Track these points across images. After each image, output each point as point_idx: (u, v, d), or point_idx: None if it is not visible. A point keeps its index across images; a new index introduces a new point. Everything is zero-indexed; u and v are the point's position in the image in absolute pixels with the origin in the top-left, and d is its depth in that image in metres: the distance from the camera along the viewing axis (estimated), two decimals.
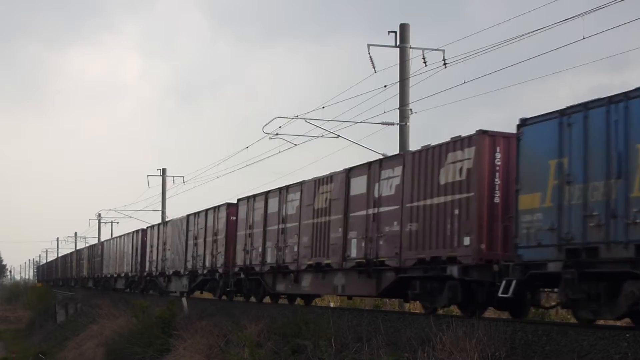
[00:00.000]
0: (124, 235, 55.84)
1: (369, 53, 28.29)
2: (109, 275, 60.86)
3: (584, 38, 19.62)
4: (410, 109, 28.35)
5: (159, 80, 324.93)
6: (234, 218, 32.20)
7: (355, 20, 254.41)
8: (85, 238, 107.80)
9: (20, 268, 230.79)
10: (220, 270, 33.44)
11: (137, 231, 51.10)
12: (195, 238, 37.09)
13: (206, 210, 36.07)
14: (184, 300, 34.30)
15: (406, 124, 28.30)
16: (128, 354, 29.99)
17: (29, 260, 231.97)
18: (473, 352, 14.42)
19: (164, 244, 43.57)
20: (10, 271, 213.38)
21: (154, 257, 45.69)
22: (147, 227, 49.00)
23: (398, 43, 28.53)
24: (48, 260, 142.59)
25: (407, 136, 28.28)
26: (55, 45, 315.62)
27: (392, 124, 28.72)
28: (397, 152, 26.09)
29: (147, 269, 47.59)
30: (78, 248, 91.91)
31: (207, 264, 34.98)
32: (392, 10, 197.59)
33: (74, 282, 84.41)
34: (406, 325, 18.15)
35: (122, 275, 55.35)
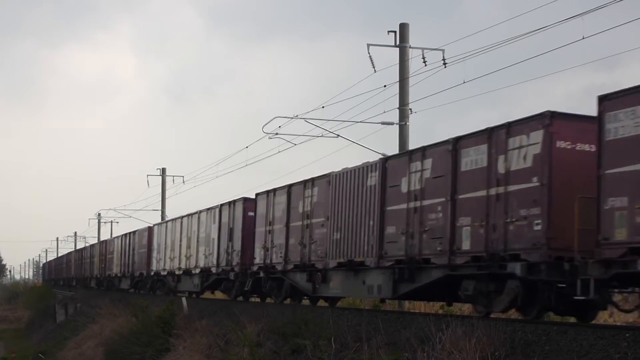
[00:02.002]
0: (200, 212, 38.02)
1: (369, 53, 28.34)
2: (164, 272, 43.64)
3: (583, 38, 19.65)
4: (410, 109, 28.38)
5: (155, 79, 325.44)
6: (567, 144, 16.44)
7: (350, 17, 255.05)
8: (85, 238, 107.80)
9: (20, 268, 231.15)
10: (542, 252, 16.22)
11: (230, 203, 33.49)
12: (415, 198, 20.25)
13: (459, 141, 18.87)
14: (183, 299, 34.28)
15: (406, 123, 28.33)
16: (128, 354, 30.00)
17: (29, 260, 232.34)
18: (472, 351, 14.42)
19: (307, 216, 25.98)
20: (10, 271, 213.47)
21: (280, 240, 27.66)
22: (258, 195, 30.19)
23: (397, 43, 28.56)
24: (56, 257, 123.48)
25: (407, 136, 28.31)
26: (49, 43, 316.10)
27: (392, 123, 28.74)
28: (397, 152, 26.06)
29: (260, 260, 29.27)
30: (105, 239, 72.08)
31: (466, 243, 18.41)
32: (387, 7, 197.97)
33: (95, 283, 68.98)
34: (406, 325, 18.17)
35: (195, 271, 37.66)
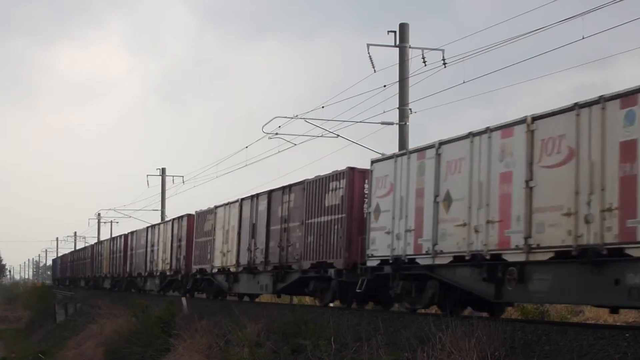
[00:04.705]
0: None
1: (369, 53, 28.33)
2: (435, 259, 18.94)
3: (583, 38, 19.61)
4: (410, 109, 28.38)
5: (149, 77, 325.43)
6: None
7: (344, 14, 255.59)
8: (85, 238, 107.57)
9: (20, 268, 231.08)
10: None
11: None
12: None
13: None
14: (183, 300, 34.26)
15: (406, 123, 28.31)
16: (127, 354, 30.01)
17: (29, 260, 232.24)
18: (472, 351, 14.42)
19: None
20: (10, 271, 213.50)
21: None
22: None
23: (397, 43, 28.57)
24: (73, 250, 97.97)
25: (406, 136, 28.29)
26: (42, 41, 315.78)
27: (392, 123, 28.73)
28: (397, 151, 26.00)
29: None
30: (186, 213, 40.14)
31: None
32: (380, 4, 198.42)
33: (157, 284, 45.12)
34: (405, 325, 18.17)
35: None
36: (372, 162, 22.22)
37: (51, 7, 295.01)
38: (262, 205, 29.39)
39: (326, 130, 30.20)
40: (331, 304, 25.69)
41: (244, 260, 30.65)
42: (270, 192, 28.85)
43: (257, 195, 29.94)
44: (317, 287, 25.35)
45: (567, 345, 13.77)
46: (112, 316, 39.18)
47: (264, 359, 20.57)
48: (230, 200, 32.98)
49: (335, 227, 23.70)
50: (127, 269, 52.80)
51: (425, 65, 27.96)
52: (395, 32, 28.58)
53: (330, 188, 24.36)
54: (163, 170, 62.91)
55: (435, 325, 16.18)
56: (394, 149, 27.89)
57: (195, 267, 36.92)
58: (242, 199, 31.55)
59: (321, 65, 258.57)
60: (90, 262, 69.75)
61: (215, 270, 34.08)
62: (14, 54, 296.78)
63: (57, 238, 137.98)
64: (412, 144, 27.53)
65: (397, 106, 28.49)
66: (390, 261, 20.53)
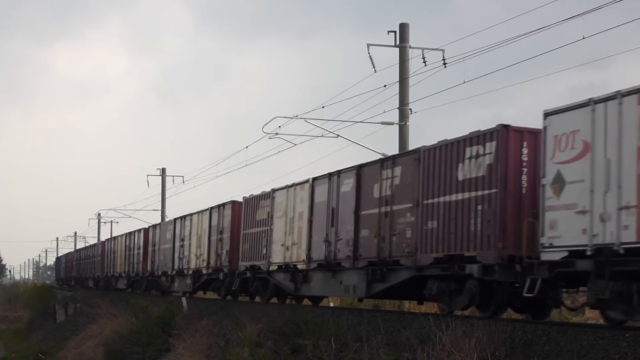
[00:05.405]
0: None
1: (369, 53, 28.35)
2: None
3: (583, 38, 19.61)
4: (410, 109, 28.39)
5: (148, 77, 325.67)
6: None
7: (342, 14, 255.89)
8: (84, 238, 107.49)
9: (20, 268, 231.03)
10: None
11: None
12: None
13: None
14: (183, 299, 34.26)
15: (406, 123, 28.32)
16: (128, 354, 30.01)
17: (29, 260, 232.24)
18: (472, 351, 14.43)
19: None
20: (10, 271, 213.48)
21: None
22: None
23: (397, 43, 28.58)
24: (81, 247, 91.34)
25: (407, 136, 28.30)
26: (41, 41, 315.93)
27: (392, 123, 28.74)
28: (397, 152, 26.01)
29: None
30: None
31: None
32: (380, 4, 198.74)
33: (190, 286, 38.23)
34: (406, 325, 18.17)
35: None
36: (547, 114, 15.75)
37: (49, 6, 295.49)
38: (347, 184, 23.35)
39: (326, 130, 30.23)
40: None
41: (318, 255, 24.56)
42: (360, 168, 22.80)
43: (339, 172, 23.93)
44: (443, 289, 19.09)
45: (567, 345, 13.77)
46: (112, 316, 39.18)
47: (264, 359, 20.58)
48: (295, 182, 27.05)
49: (479, 207, 17.73)
50: (148, 268, 45.96)
51: (425, 65, 28.01)
52: (395, 32, 28.59)
53: (467, 155, 18.23)
54: (163, 170, 62.96)
55: (436, 325, 16.18)
56: (394, 149, 27.91)
57: (243, 264, 30.50)
58: (314, 179, 25.41)
59: (321, 66, 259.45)
60: (100, 260, 62.88)
61: (273, 268, 27.78)
62: (12, 54, 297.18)
63: (57, 238, 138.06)
64: (412, 144, 27.55)
65: (397, 106, 28.50)
66: (589, 253, 14.72)
